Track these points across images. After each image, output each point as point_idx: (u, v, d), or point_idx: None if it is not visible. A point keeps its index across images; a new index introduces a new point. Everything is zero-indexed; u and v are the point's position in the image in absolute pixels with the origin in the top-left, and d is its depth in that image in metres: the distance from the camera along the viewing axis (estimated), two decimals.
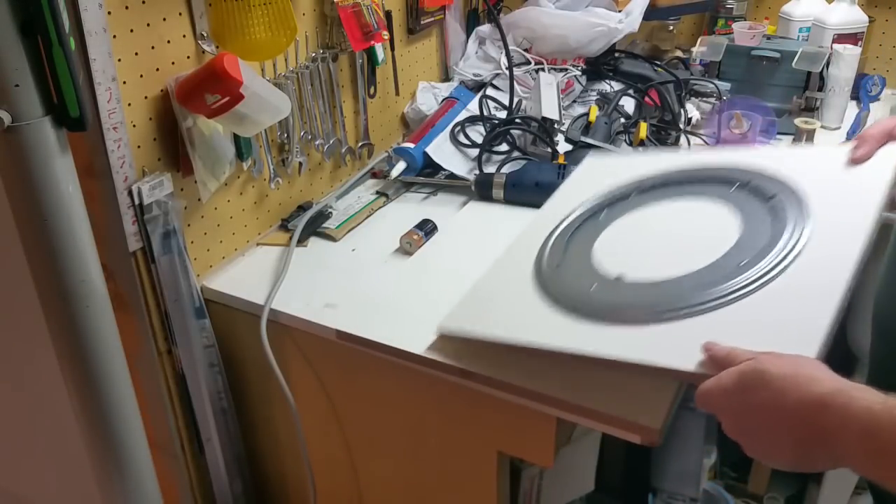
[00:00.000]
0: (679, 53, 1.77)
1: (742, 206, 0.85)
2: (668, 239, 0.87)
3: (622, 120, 1.40)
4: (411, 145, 1.29)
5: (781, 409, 0.57)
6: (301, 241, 1.13)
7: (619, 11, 1.53)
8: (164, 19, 0.91)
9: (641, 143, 1.30)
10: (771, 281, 0.73)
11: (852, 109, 1.56)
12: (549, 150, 1.30)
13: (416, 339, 0.89)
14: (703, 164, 0.95)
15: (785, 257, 0.74)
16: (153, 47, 0.90)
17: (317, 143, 1.20)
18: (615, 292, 0.82)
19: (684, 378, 0.71)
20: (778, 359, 0.59)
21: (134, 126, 0.90)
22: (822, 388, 0.55)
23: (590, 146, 1.27)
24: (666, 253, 0.84)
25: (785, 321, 0.68)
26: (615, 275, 0.84)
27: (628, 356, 0.72)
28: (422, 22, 1.42)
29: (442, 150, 1.31)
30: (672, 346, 0.71)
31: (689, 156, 1.02)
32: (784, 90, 1.50)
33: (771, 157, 0.93)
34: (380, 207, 1.25)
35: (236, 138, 1.03)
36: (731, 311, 0.72)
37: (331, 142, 1.23)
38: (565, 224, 0.95)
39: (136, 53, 0.88)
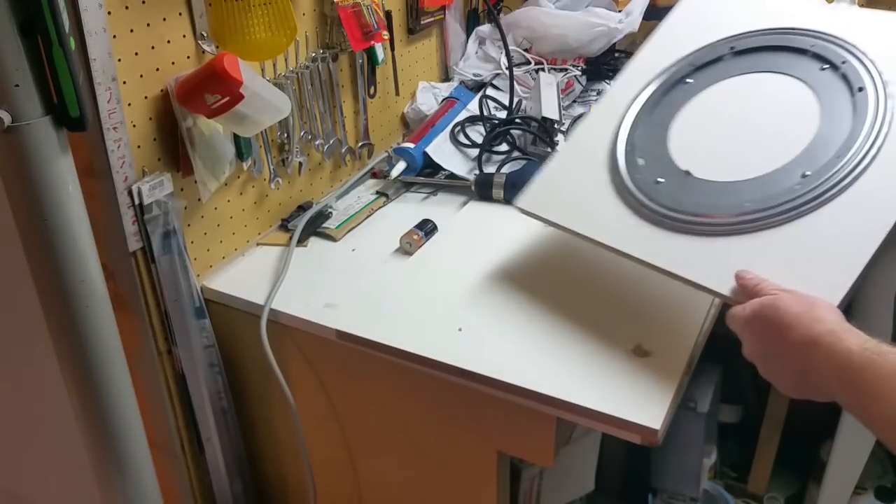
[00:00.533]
0: None
1: (827, 94, 0.82)
2: (745, 128, 0.86)
3: None
4: (411, 145, 1.29)
5: (785, 342, 0.65)
6: (301, 241, 1.13)
7: (619, 11, 1.53)
8: (164, 19, 0.91)
9: None
10: (825, 203, 0.74)
11: None
12: (549, 150, 1.30)
13: (416, 339, 0.89)
14: (805, 27, 0.90)
15: (849, 174, 0.75)
16: (153, 47, 0.90)
17: (317, 143, 1.20)
18: (679, 190, 0.84)
19: (720, 298, 0.77)
20: (794, 298, 0.67)
21: (134, 126, 0.90)
22: (820, 328, 0.63)
23: None
24: (739, 146, 0.84)
25: (820, 262, 0.72)
26: (684, 168, 0.85)
27: (674, 269, 0.78)
28: (422, 22, 1.42)
29: (442, 150, 1.31)
30: (713, 266, 0.76)
31: (801, 7, 0.94)
32: None
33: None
34: (380, 207, 1.25)
35: (236, 138, 1.03)
36: (776, 234, 0.75)
37: (331, 142, 1.23)
38: (652, 88, 0.95)
39: (136, 53, 0.88)
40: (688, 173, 0.85)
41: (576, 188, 0.92)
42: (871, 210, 0.72)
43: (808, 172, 0.77)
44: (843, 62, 0.84)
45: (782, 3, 0.96)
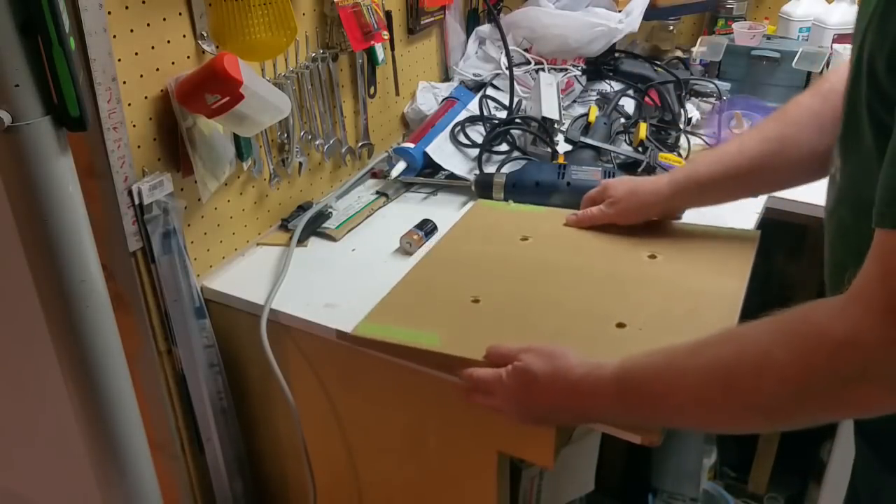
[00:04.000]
0: (679, 53, 1.77)
1: None
2: None
3: (622, 120, 1.40)
4: (411, 145, 1.29)
5: (549, 398, 0.75)
6: (301, 241, 1.13)
7: (619, 11, 1.53)
8: (164, 19, 0.91)
9: (641, 144, 1.30)
10: None
11: None
12: (549, 150, 1.30)
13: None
14: None
15: None
16: (153, 47, 0.90)
17: (317, 143, 1.20)
18: None
19: None
20: (538, 357, 0.76)
21: (134, 126, 0.90)
22: (574, 374, 0.73)
23: (589, 146, 1.27)
24: None
25: None
26: None
27: None
28: (422, 22, 1.42)
29: (442, 150, 1.31)
30: None
31: None
32: (784, 90, 1.50)
33: None
34: (380, 207, 1.25)
35: (236, 138, 1.03)
36: None
37: (331, 142, 1.23)
38: None
39: (136, 53, 0.88)
40: None
41: None
42: None
43: None
44: None
45: None
